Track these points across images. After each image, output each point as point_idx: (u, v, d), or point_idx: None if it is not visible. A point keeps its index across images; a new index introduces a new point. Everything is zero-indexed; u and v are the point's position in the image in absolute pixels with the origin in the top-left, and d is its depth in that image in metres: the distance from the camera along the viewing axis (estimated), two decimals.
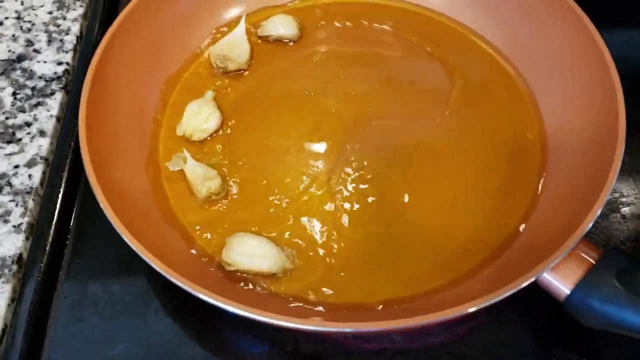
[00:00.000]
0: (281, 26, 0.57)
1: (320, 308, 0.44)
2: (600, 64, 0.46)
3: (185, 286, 0.38)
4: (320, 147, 0.51)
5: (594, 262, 0.40)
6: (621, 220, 0.48)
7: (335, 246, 0.46)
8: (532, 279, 0.38)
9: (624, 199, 0.49)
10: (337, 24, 0.58)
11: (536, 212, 0.46)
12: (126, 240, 0.39)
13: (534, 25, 0.53)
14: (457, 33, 0.57)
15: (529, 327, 0.44)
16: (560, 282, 0.40)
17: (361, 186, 0.48)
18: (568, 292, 0.39)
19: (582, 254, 0.40)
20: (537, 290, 0.40)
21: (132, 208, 0.44)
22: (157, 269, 0.39)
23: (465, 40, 0.56)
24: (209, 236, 0.46)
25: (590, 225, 0.40)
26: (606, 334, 0.40)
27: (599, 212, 0.40)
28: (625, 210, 0.49)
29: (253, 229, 0.46)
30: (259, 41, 0.58)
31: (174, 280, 0.38)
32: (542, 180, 0.48)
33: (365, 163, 0.49)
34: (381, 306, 0.43)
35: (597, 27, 0.48)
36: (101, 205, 0.41)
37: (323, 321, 0.40)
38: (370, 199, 0.48)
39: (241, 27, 0.56)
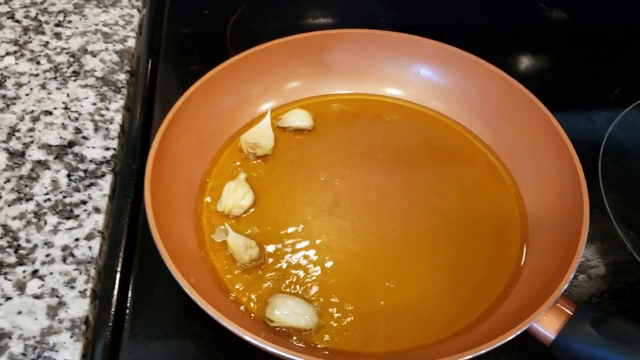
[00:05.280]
0: (299, 119, 0.68)
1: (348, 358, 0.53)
2: (566, 156, 0.58)
3: (253, 340, 0.46)
4: (336, 220, 0.61)
5: (571, 313, 0.50)
6: (587, 280, 0.60)
7: (356, 301, 0.55)
8: (524, 329, 0.49)
9: (588, 263, 0.61)
10: (346, 116, 0.70)
11: (521, 278, 0.57)
12: (196, 300, 0.47)
13: (512, 124, 0.66)
14: (452, 129, 0.70)
15: None
16: (546, 330, 0.50)
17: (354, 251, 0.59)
18: (553, 338, 0.50)
19: (562, 307, 0.51)
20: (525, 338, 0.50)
21: (189, 272, 0.52)
22: (225, 324, 0.47)
23: (459, 135, 0.69)
24: (252, 296, 0.55)
25: (567, 285, 0.50)
26: None
27: (572, 275, 0.51)
28: (590, 272, 0.60)
29: (288, 290, 0.55)
30: (280, 131, 0.68)
31: (243, 335, 0.46)
32: (524, 251, 0.59)
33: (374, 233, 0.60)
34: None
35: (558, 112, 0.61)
36: (170, 268, 0.49)
37: None
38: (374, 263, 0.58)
39: (267, 119, 0.66)
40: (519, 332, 0.48)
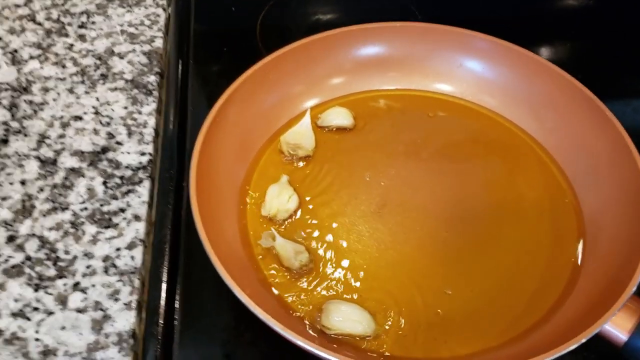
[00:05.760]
0: (339, 117, 0.65)
1: None
2: (622, 149, 0.56)
3: (313, 348, 0.44)
4: (386, 221, 0.59)
5: None
6: None
7: (412, 306, 0.53)
8: (597, 330, 0.46)
9: None
10: (388, 113, 0.67)
11: (581, 278, 0.55)
12: (253, 309, 0.45)
13: (562, 117, 0.64)
14: (500, 124, 0.67)
15: None
16: (618, 330, 0.48)
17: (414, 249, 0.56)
18: (626, 339, 0.47)
19: (633, 306, 0.48)
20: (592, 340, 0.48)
21: (239, 279, 0.50)
22: (285, 333, 0.44)
23: (507, 131, 0.67)
24: (304, 303, 0.53)
25: (638, 282, 0.48)
26: None
27: None
28: None
29: (342, 295, 0.53)
30: (320, 130, 0.66)
31: (303, 344, 0.44)
32: (581, 249, 0.57)
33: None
34: None
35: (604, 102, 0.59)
36: (222, 276, 0.47)
37: None
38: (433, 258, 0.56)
39: (307, 118, 0.64)
40: (592, 334, 0.46)
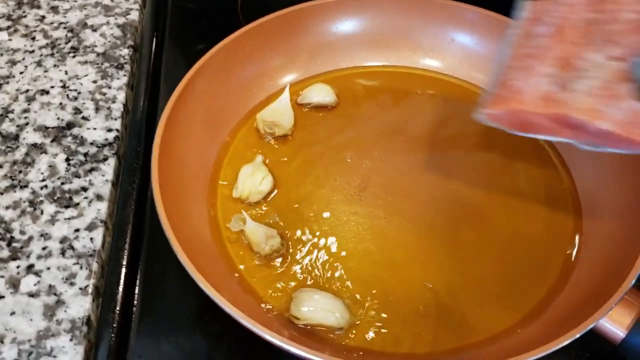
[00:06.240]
0: (320, 94, 0.61)
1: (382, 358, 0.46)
2: None
3: (279, 341, 0.40)
4: (366, 206, 0.54)
5: None
6: None
7: (391, 298, 0.49)
8: (592, 326, 0.42)
9: None
10: (373, 91, 0.63)
11: (576, 271, 0.50)
12: (215, 298, 0.41)
13: None
14: None
15: None
16: (616, 326, 0.43)
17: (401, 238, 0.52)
18: (623, 336, 0.43)
19: (631, 300, 0.44)
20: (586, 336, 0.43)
21: (203, 264, 0.46)
22: (239, 318, 0.40)
23: None
24: (274, 291, 0.49)
25: (637, 275, 0.44)
26: None
27: None
28: None
29: (314, 283, 0.49)
30: (300, 108, 0.62)
31: (262, 333, 0.40)
32: (577, 239, 0.52)
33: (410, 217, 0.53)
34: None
35: None
36: (182, 260, 0.43)
37: None
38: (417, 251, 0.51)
39: (286, 95, 0.60)
40: (585, 330, 0.42)
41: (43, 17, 0.70)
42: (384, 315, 0.48)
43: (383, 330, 0.47)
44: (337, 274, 0.50)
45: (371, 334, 0.47)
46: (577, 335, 0.41)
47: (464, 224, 0.53)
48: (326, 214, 0.53)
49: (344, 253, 0.51)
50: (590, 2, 0.44)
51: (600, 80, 0.41)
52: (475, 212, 0.54)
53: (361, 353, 0.46)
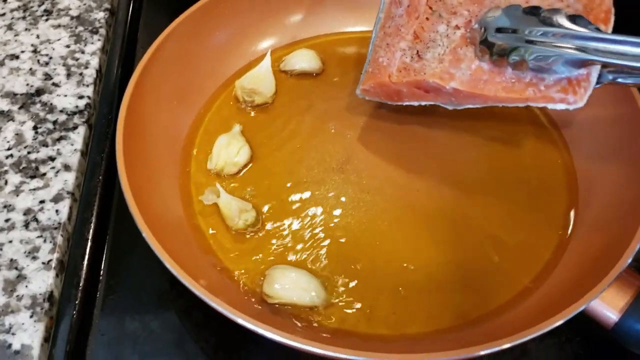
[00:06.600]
0: (305, 60, 0.58)
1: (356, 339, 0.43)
2: (627, 101, 0.48)
3: (235, 317, 0.37)
4: (348, 180, 0.51)
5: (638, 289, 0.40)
6: None
7: (369, 278, 0.46)
8: (582, 308, 0.39)
9: None
10: (360, 58, 0.59)
11: (569, 249, 0.47)
12: (173, 270, 0.39)
13: None
14: None
15: (574, 355, 0.44)
16: (609, 309, 0.40)
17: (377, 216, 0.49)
18: (616, 319, 0.40)
19: (628, 281, 0.41)
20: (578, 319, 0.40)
21: (170, 240, 0.43)
22: (205, 299, 0.38)
23: None
24: (247, 268, 0.46)
25: (633, 255, 0.40)
26: None
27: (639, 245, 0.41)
28: None
29: (290, 260, 0.46)
30: (283, 75, 0.58)
31: (226, 312, 0.37)
32: (573, 214, 0.49)
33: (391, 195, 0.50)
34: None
35: None
36: (145, 235, 0.41)
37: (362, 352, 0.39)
38: (401, 229, 0.48)
39: (267, 60, 0.56)
40: (576, 312, 0.38)
41: None
42: (360, 294, 0.45)
43: (358, 310, 0.44)
44: (314, 251, 0.47)
45: (347, 313, 0.44)
46: (566, 319, 0.38)
47: (448, 196, 0.50)
48: (305, 188, 0.50)
49: (322, 229, 0.48)
50: None
51: (448, 48, 0.47)
52: (465, 186, 0.51)
53: (335, 333, 0.43)
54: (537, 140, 0.54)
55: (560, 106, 0.42)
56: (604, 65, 0.41)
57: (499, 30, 0.44)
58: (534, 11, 0.43)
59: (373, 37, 0.52)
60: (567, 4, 0.44)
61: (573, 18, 0.42)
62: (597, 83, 0.42)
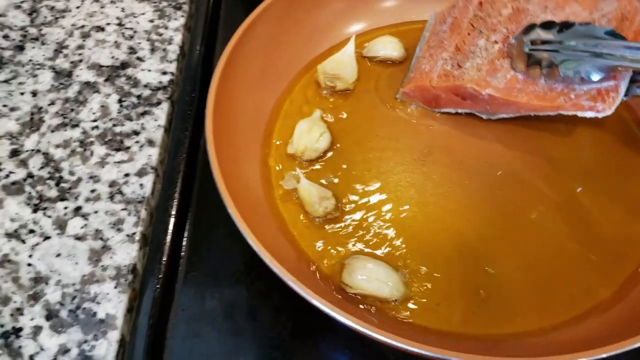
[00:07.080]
0: (388, 47, 0.57)
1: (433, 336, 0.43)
2: None
3: (318, 303, 0.37)
4: (429, 172, 0.50)
5: None
6: None
7: (450, 276, 0.45)
8: None
9: None
10: None
11: None
12: (259, 251, 0.39)
13: None
14: None
15: None
16: None
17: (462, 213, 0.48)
18: None
19: None
20: None
21: (254, 222, 0.43)
22: (290, 282, 0.38)
23: None
24: (325, 255, 0.46)
25: None
26: None
27: None
28: None
29: (368, 252, 0.46)
30: (364, 61, 0.58)
31: (309, 298, 0.37)
32: None
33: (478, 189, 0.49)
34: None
35: None
36: (232, 213, 0.41)
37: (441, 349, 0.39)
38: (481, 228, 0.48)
39: (350, 46, 0.56)
40: None
41: None
42: (438, 292, 0.44)
43: (437, 307, 0.44)
44: (393, 243, 0.47)
45: (424, 309, 0.44)
46: None
47: (533, 197, 0.49)
48: (385, 178, 0.50)
49: (401, 223, 0.48)
50: (476, 4, 0.54)
51: (486, 59, 0.51)
52: (548, 184, 0.50)
53: (412, 327, 0.43)
54: (623, 142, 0.53)
55: (590, 114, 0.46)
56: (633, 81, 0.46)
57: (533, 42, 0.49)
58: (567, 25, 0.48)
59: (417, 53, 0.56)
60: (599, 24, 0.48)
61: (603, 31, 0.46)
62: (625, 95, 0.46)
